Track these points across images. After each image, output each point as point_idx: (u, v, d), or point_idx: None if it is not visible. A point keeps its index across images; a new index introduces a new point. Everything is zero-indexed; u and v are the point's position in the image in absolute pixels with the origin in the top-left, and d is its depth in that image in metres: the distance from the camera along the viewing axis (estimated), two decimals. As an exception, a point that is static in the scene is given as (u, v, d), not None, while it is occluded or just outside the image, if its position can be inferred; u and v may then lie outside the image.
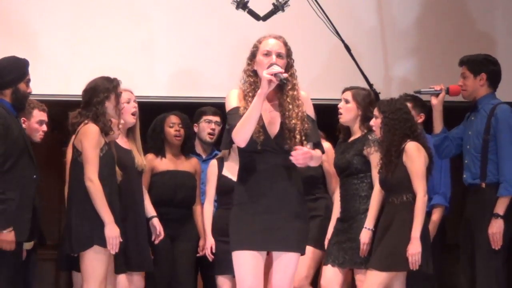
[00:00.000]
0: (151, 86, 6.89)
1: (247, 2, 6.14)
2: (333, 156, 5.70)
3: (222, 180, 6.00)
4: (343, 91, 5.69)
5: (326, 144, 5.81)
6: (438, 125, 5.68)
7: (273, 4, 6.14)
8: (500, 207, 5.41)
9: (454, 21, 7.05)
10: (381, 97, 5.88)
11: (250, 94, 4.53)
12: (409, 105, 5.65)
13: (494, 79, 5.66)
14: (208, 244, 5.97)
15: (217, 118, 6.35)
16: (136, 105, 5.74)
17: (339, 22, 6.24)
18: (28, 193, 5.24)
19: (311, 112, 4.63)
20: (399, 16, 7.07)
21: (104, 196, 5.10)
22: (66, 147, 5.53)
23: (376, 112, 5.45)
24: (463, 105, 5.87)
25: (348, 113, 5.62)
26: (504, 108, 5.55)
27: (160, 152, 6.12)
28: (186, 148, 6.21)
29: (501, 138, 5.48)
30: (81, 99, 5.37)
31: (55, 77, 6.82)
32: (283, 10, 6.14)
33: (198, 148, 6.46)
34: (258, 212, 4.49)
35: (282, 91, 4.55)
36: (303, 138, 4.51)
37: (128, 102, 5.67)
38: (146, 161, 5.82)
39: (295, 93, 4.56)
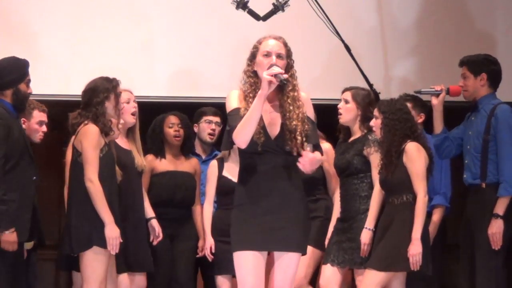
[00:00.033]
0: (151, 86, 6.88)
1: (247, 2, 6.14)
2: (333, 156, 5.70)
3: (222, 181, 5.99)
4: (343, 91, 5.69)
5: (326, 145, 5.81)
6: (438, 125, 5.68)
7: (273, 4, 6.14)
8: (500, 207, 5.41)
9: (454, 21, 7.05)
10: (381, 97, 5.88)
11: (251, 94, 4.52)
12: (409, 105, 5.65)
13: (494, 79, 5.66)
14: (208, 244, 5.97)
15: (217, 119, 6.35)
16: (135, 105, 5.74)
17: (339, 22, 6.24)
18: (28, 194, 5.25)
19: (311, 113, 4.63)
20: (399, 16, 7.06)
21: (104, 196, 5.10)
22: (66, 147, 5.53)
23: (376, 112, 5.45)
24: (463, 105, 5.87)
25: (347, 113, 5.62)
26: (504, 108, 5.56)
27: (160, 153, 6.12)
28: (185, 148, 6.21)
29: (501, 138, 5.48)
30: (81, 99, 5.37)
31: (55, 77, 6.82)
32: (283, 10, 6.13)
33: (198, 149, 6.45)
34: (259, 213, 4.49)
35: (283, 92, 4.55)
36: (304, 139, 4.51)
37: (128, 102, 5.67)
38: (146, 162, 5.82)
39: (295, 93, 4.55)
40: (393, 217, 5.31)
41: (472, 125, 5.62)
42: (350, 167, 5.52)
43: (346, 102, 5.62)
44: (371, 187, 5.49)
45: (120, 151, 5.56)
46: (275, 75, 4.41)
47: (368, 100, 5.63)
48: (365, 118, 5.56)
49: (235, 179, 4.75)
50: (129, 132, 5.75)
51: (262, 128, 4.49)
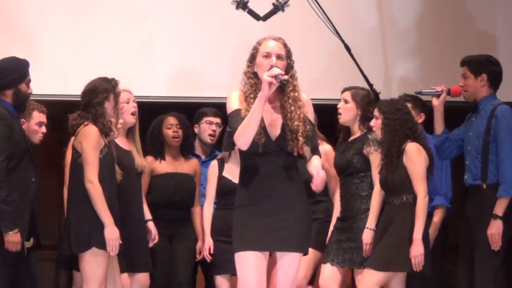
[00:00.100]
0: (151, 86, 6.88)
1: (247, 2, 6.13)
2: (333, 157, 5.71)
3: (222, 182, 5.99)
4: (342, 91, 5.69)
5: (327, 147, 5.81)
6: (439, 126, 5.68)
7: (273, 4, 6.13)
8: (499, 208, 5.41)
9: (454, 21, 7.05)
10: (381, 97, 5.87)
11: (251, 95, 4.52)
12: (409, 105, 5.65)
13: (495, 79, 5.66)
14: (207, 245, 5.97)
15: (218, 120, 6.34)
16: (135, 105, 5.73)
17: (339, 22, 6.23)
18: (27, 195, 5.25)
19: (311, 115, 4.62)
20: (399, 16, 7.06)
21: (104, 197, 5.09)
22: (66, 148, 5.53)
23: (376, 112, 5.45)
24: (464, 105, 5.86)
25: (347, 113, 5.62)
26: (504, 108, 5.55)
27: (159, 155, 6.11)
28: (185, 149, 6.20)
29: (501, 139, 5.48)
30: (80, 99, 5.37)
31: (55, 77, 6.81)
32: (283, 10, 6.12)
33: (198, 149, 6.44)
34: (260, 213, 4.49)
35: (283, 92, 4.54)
36: (304, 140, 4.51)
37: (128, 102, 5.66)
38: (146, 163, 5.81)
39: (296, 94, 4.55)
40: (393, 218, 5.31)
41: (472, 126, 5.62)
42: (350, 167, 5.52)
43: (346, 102, 5.62)
44: (371, 187, 5.49)
45: (120, 152, 5.55)
46: (275, 76, 4.40)
47: (367, 100, 5.63)
48: (365, 118, 5.56)
49: (235, 179, 4.75)
50: (129, 133, 5.74)
51: (262, 129, 4.48)
